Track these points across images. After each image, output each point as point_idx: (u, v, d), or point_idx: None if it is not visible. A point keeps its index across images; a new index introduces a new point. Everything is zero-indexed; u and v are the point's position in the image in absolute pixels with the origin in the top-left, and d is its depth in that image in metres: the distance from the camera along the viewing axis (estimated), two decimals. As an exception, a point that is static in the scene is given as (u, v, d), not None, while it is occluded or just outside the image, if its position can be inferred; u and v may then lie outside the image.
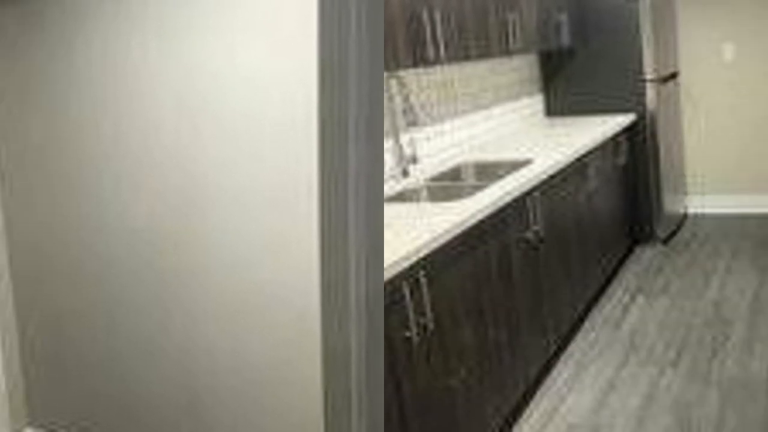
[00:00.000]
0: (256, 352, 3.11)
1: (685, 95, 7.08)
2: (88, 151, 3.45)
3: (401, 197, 3.97)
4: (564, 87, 6.38)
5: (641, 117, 6.06)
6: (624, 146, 5.80)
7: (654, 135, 6.03)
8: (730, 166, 7.07)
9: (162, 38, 3.14)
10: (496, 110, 5.55)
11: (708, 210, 7.27)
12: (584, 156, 4.76)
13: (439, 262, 3.01)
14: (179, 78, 3.13)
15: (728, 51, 6.79)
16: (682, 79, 7.07)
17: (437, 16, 3.72)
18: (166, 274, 3.31)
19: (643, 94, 6.04)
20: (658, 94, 6.03)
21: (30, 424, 3.95)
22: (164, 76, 3.17)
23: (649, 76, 5.98)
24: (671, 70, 6.54)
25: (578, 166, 4.64)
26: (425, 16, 3.63)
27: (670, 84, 6.49)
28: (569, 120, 6.11)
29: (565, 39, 5.63)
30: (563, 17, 5.57)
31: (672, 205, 6.49)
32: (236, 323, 3.13)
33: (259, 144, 2.95)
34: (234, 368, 3.19)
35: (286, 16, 2.84)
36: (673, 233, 6.67)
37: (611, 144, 5.45)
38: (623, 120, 5.73)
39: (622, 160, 5.74)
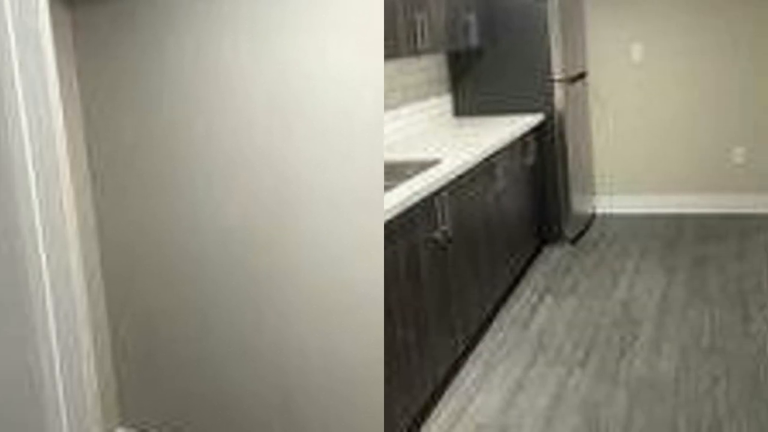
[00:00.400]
0: (348, 351, 3.17)
1: (594, 95, 7.26)
2: (181, 151, 3.47)
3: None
4: (472, 87, 6.46)
5: (549, 117, 6.18)
6: (532, 146, 5.93)
7: (562, 135, 6.16)
8: (638, 167, 7.25)
9: (254, 38, 3.18)
10: (404, 110, 5.62)
11: (616, 210, 7.44)
12: (492, 156, 4.87)
13: (347, 262, 3.07)
14: (271, 77, 3.17)
15: (636, 51, 6.98)
16: (590, 79, 7.24)
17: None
18: (259, 273, 3.35)
19: (551, 94, 6.16)
20: (567, 94, 6.18)
21: (122, 423, 3.95)
22: (256, 76, 3.21)
23: (557, 76, 6.12)
24: (579, 70, 6.70)
25: (486, 166, 4.75)
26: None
27: (579, 84, 6.65)
28: (477, 120, 6.20)
29: (474, 39, 5.73)
30: (472, 17, 5.67)
31: (580, 205, 6.63)
32: (328, 323, 3.19)
33: (350, 144, 3.00)
34: (326, 367, 3.25)
35: (378, 15, 2.92)
36: (582, 233, 6.82)
37: (519, 144, 5.57)
38: (531, 120, 5.84)
39: (530, 160, 5.87)
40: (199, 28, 3.33)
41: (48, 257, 2.04)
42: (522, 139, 5.64)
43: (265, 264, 3.33)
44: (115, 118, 3.66)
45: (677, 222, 6.87)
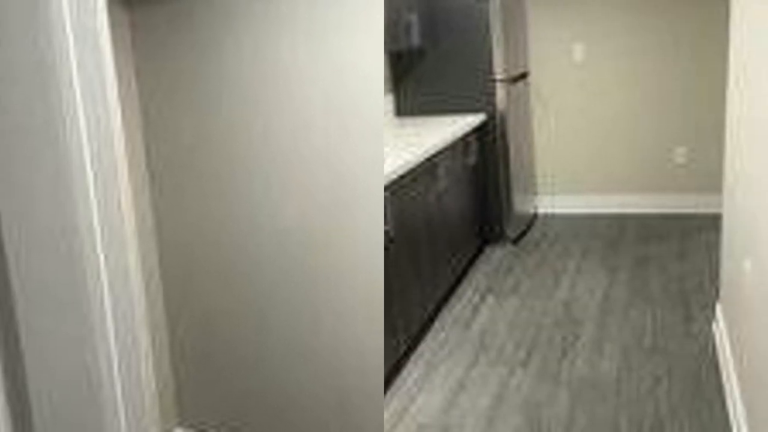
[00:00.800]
0: None
1: (535, 95, 7.31)
2: (239, 152, 3.47)
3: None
4: (414, 87, 6.47)
5: (491, 117, 6.22)
6: (474, 146, 5.97)
7: (504, 135, 6.20)
8: (579, 166, 7.33)
9: (311, 39, 3.19)
10: (346, 109, 5.59)
11: (558, 210, 7.51)
12: (434, 156, 4.89)
13: (286, 262, 3.06)
14: (328, 79, 3.18)
15: (578, 51, 7.05)
16: (532, 79, 7.30)
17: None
18: (316, 274, 3.36)
19: (493, 94, 6.20)
20: (508, 94, 6.22)
21: (180, 423, 3.95)
22: (314, 77, 3.22)
23: (499, 76, 6.15)
24: (521, 70, 6.74)
25: (428, 166, 4.76)
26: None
27: (520, 84, 6.70)
28: (419, 120, 6.21)
29: (415, 39, 5.74)
30: (413, 17, 5.68)
31: (522, 205, 6.69)
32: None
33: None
34: (382, 368, 3.27)
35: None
36: (523, 233, 6.87)
37: (461, 144, 5.60)
38: (473, 120, 5.87)
39: (472, 160, 5.90)
40: (257, 29, 3.34)
41: (106, 257, 2.03)
42: (464, 139, 5.67)
43: (323, 264, 3.36)
44: (173, 119, 3.67)
45: (619, 222, 6.96)
